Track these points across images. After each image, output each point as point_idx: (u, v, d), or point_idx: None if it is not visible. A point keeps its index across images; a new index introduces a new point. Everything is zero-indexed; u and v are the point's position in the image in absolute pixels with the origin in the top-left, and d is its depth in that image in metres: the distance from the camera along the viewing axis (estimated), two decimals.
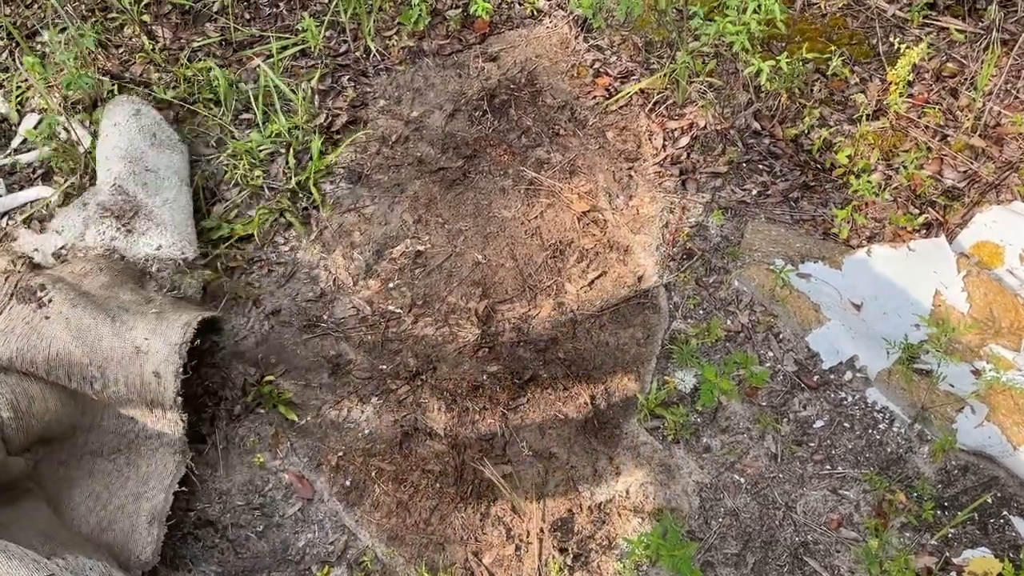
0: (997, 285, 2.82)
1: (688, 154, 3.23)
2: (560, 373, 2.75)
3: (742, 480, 2.55)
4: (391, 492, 2.56)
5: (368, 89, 3.49)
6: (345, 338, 2.84)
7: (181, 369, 2.45)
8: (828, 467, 2.56)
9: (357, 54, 3.58)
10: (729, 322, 2.85)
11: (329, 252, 3.03)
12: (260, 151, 3.20)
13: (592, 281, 2.95)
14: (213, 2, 3.70)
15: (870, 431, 2.61)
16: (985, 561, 2.33)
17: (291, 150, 3.21)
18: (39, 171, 3.22)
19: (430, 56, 3.58)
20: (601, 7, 3.43)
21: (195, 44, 3.55)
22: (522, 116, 3.38)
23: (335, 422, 2.69)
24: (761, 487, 2.54)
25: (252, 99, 3.30)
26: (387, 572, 2.44)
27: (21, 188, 3.19)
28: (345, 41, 3.62)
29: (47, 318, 2.48)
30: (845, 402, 2.67)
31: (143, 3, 3.61)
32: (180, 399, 2.45)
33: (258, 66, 3.39)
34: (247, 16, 3.69)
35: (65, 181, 3.16)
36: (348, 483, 2.58)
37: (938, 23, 3.48)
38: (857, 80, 3.37)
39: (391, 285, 2.96)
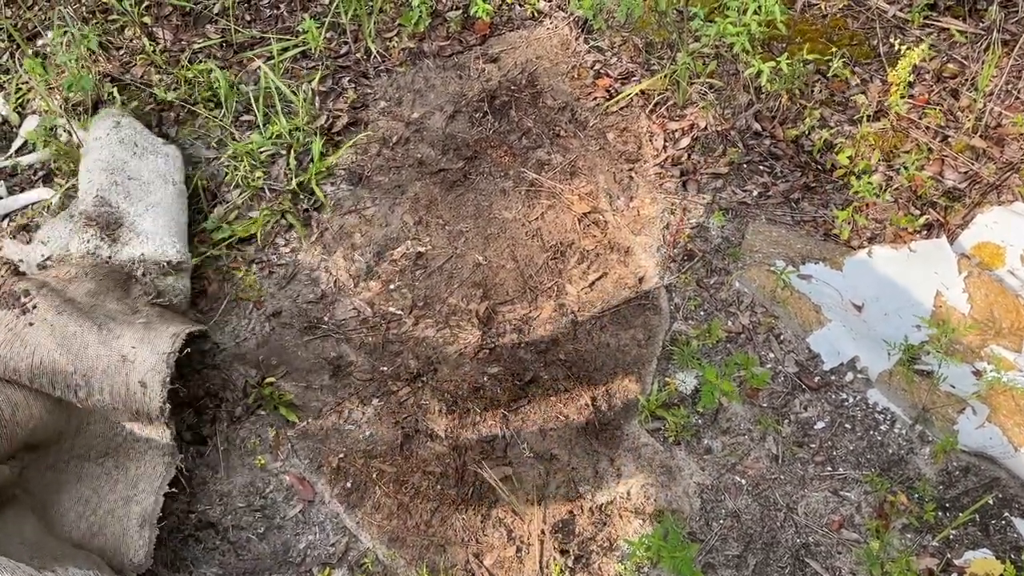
0: (998, 286, 2.81)
1: (689, 155, 3.23)
2: (561, 374, 2.75)
3: (743, 481, 2.55)
4: (392, 494, 2.55)
5: (369, 90, 3.49)
6: (346, 340, 2.84)
7: (168, 379, 2.40)
8: (829, 468, 2.56)
9: (358, 55, 3.58)
10: (730, 323, 2.85)
11: (330, 254, 3.03)
12: (261, 153, 3.21)
13: (593, 282, 2.95)
14: (214, 4, 3.71)
15: (871, 432, 2.61)
16: (986, 562, 2.32)
17: (292, 152, 3.21)
18: (40, 173, 3.23)
19: (431, 57, 3.58)
20: (601, 8, 3.43)
21: (196, 46, 3.55)
22: (523, 117, 3.38)
23: (336, 424, 2.69)
24: (762, 488, 2.54)
25: (253, 101, 3.30)
26: (388, 574, 2.44)
27: (22, 190, 3.19)
28: (346, 43, 3.62)
29: (31, 325, 2.43)
30: (846, 403, 2.67)
31: (144, 5, 3.62)
32: (167, 409, 2.40)
33: (259, 68, 3.39)
34: (248, 18, 3.69)
35: (66, 183, 3.17)
36: (349, 485, 2.58)
37: (939, 24, 3.48)
38: (858, 81, 3.37)
39: (392, 287, 2.96)
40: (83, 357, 2.40)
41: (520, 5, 3.74)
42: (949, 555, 2.39)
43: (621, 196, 3.16)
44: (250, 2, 3.74)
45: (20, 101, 3.38)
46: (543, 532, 2.47)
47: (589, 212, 3.10)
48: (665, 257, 3.00)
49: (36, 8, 3.64)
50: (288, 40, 3.54)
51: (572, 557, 2.43)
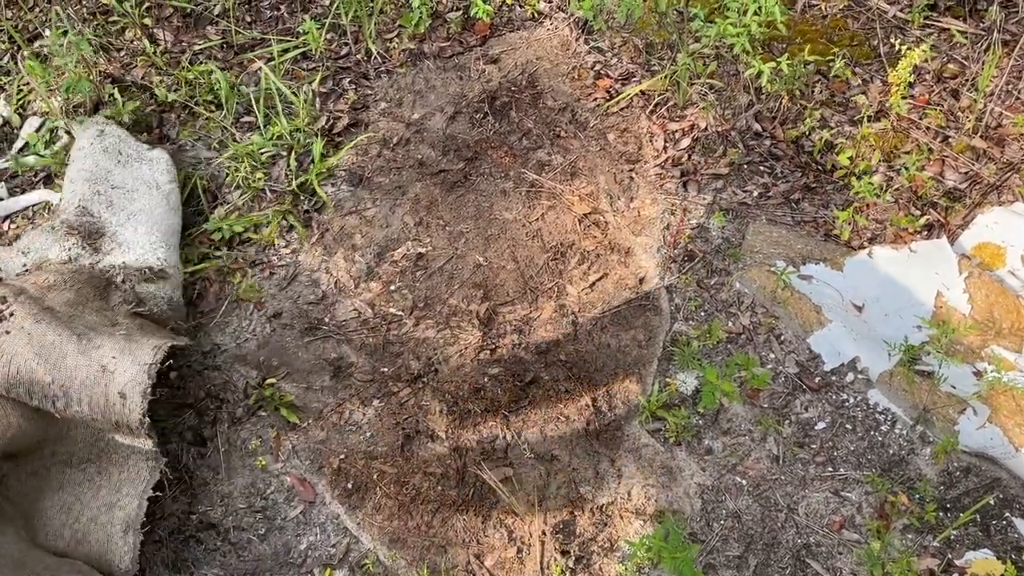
0: (999, 286, 2.81)
1: (689, 156, 3.23)
2: (561, 375, 2.75)
3: (744, 482, 2.55)
4: (393, 495, 2.56)
5: (369, 91, 3.49)
6: (346, 341, 2.84)
7: (149, 390, 2.33)
8: (830, 469, 2.56)
9: (358, 57, 3.59)
10: (730, 324, 2.85)
11: (330, 255, 3.03)
12: (262, 154, 3.21)
13: (593, 283, 2.95)
14: (214, 5, 3.71)
15: (872, 433, 2.61)
16: (987, 563, 2.32)
17: (292, 153, 3.21)
18: (41, 174, 3.23)
19: (431, 58, 3.58)
20: (602, 9, 3.43)
21: (196, 47, 3.55)
22: (523, 118, 3.38)
23: (337, 425, 2.69)
24: (763, 489, 2.54)
25: (253, 102, 3.30)
26: (389, 575, 2.44)
27: (23, 192, 3.19)
28: (346, 44, 3.62)
29: (7, 333, 2.37)
30: (847, 404, 2.67)
31: (144, 6, 3.62)
32: (147, 422, 2.33)
33: (259, 69, 3.39)
34: (248, 19, 3.69)
35: None
36: (350, 486, 2.58)
37: (939, 24, 3.48)
38: (858, 82, 3.37)
39: (392, 287, 2.96)
40: (61, 367, 2.34)
41: (520, 6, 3.74)
42: (950, 555, 2.39)
43: (621, 197, 3.16)
44: (251, 3, 3.74)
45: (21, 102, 3.39)
46: (544, 533, 2.47)
47: (589, 213, 3.10)
48: (666, 258, 3.00)
49: (37, 9, 3.65)
50: (289, 41, 3.55)
51: (573, 558, 2.43)
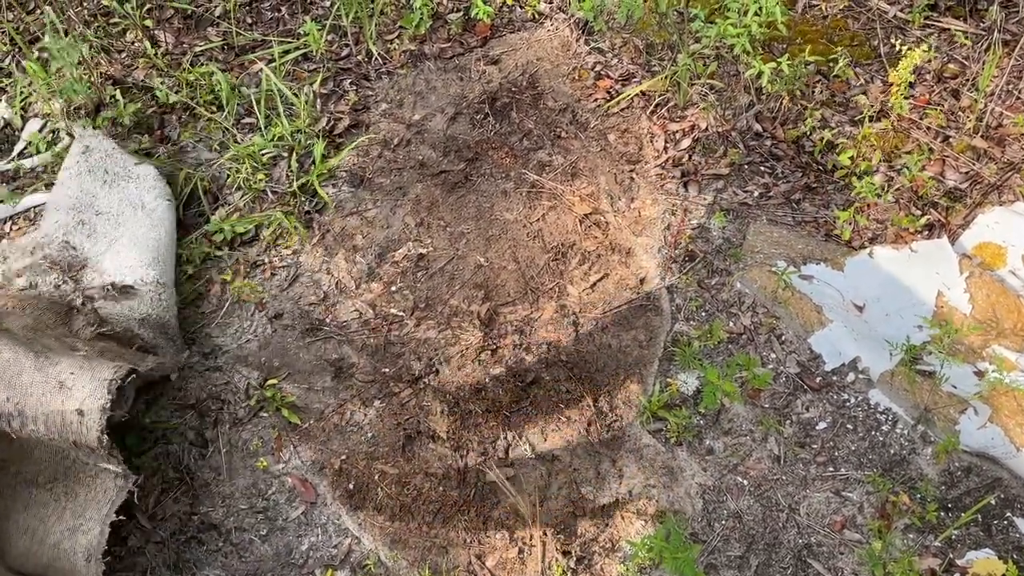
0: (1000, 286, 2.81)
1: (690, 156, 3.23)
2: (562, 376, 2.76)
3: (745, 482, 2.55)
4: (394, 495, 2.56)
5: (370, 93, 3.49)
6: (348, 341, 2.84)
7: (108, 406, 2.21)
8: (831, 469, 2.56)
9: (359, 58, 3.59)
10: (731, 324, 2.85)
11: (331, 255, 3.04)
12: (262, 155, 3.21)
13: (594, 283, 2.95)
14: (215, 7, 3.72)
15: (873, 433, 2.61)
16: (989, 563, 2.32)
17: (294, 154, 3.22)
18: (42, 176, 3.23)
19: (431, 59, 3.59)
20: (602, 10, 3.44)
21: (197, 48, 3.56)
22: (523, 119, 3.38)
23: (338, 425, 2.69)
24: (764, 489, 2.54)
25: (254, 103, 3.30)
26: (390, 575, 2.44)
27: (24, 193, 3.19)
28: (347, 45, 3.62)
29: None
30: (848, 404, 2.67)
31: (145, 8, 3.62)
32: (106, 440, 2.22)
33: (260, 70, 3.40)
34: (249, 20, 3.70)
35: None
36: (351, 486, 2.58)
37: (939, 24, 3.48)
38: (859, 82, 3.37)
39: (393, 288, 2.96)
40: (16, 384, 2.24)
41: (521, 7, 3.75)
42: (951, 555, 2.38)
43: (622, 197, 3.16)
44: (251, 5, 3.75)
45: (22, 104, 3.39)
46: (545, 533, 2.47)
47: (590, 213, 3.10)
48: (666, 258, 3.00)
49: (37, 11, 3.65)
50: (289, 43, 3.55)
51: (574, 558, 2.43)
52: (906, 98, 3.13)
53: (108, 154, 3.00)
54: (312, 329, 2.87)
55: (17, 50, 3.53)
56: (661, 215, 3.10)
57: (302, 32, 3.50)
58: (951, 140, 3.16)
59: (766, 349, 2.79)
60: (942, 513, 2.46)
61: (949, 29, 3.45)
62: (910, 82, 3.15)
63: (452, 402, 2.70)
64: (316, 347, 2.84)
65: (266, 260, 3.03)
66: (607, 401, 2.71)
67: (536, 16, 3.72)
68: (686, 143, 3.26)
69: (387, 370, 2.79)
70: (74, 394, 2.23)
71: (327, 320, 2.90)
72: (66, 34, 3.17)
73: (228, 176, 3.19)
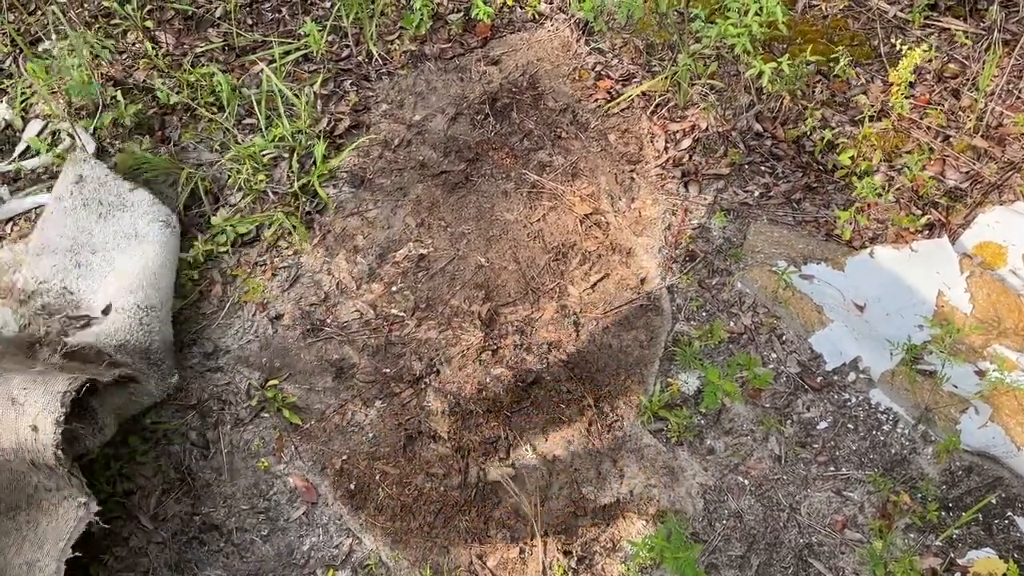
0: (1000, 285, 2.81)
1: (690, 156, 3.23)
2: (563, 376, 2.76)
3: (746, 482, 2.55)
4: (395, 495, 2.56)
5: (370, 93, 3.50)
6: (349, 342, 2.85)
7: (63, 419, 2.10)
8: (832, 468, 2.56)
9: (359, 58, 3.59)
10: (732, 324, 2.85)
11: (332, 256, 3.04)
12: (263, 155, 3.21)
13: (595, 284, 2.96)
14: (216, 7, 3.72)
15: (874, 432, 2.61)
16: (990, 562, 2.33)
17: (294, 154, 3.22)
18: (44, 177, 3.24)
19: (432, 60, 3.59)
20: (602, 10, 3.44)
21: (198, 49, 3.56)
22: (524, 119, 3.38)
23: (339, 426, 2.69)
24: (765, 489, 2.54)
25: (255, 104, 3.31)
26: (392, 575, 2.44)
27: (25, 194, 3.20)
28: (347, 46, 3.63)
29: None
30: (849, 403, 2.67)
31: (146, 9, 3.63)
32: (62, 456, 2.12)
33: (261, 71, 3.40)
34: (249, 21, 3.70)
35: None
36: (352, 487, 2.58)
37: (939, 24, 3.49)
38: (860, 81, 3.37)
39: (394, 289, 2.96)
40: None
41: (521, 7, 3.75)
42: (952, 555, 2.39)
43: (623, 197, 3.16)
44: (252, 6, 3.75)
45: (24, 105, 3.39)
46: (546, 533, 2.47)
47: (591, 213, 3.11)
48: (667, 258, 3.00)
49: (39, 12, 3.66)
50: (290, 43, 3.55)
51: (575, 558, 2.43)
52: (906, 98, 3.13)
53: (102, 183, 2.89)
54: (313, 330, 2.87)
55: (18, 51, 3.53)
56: (662, 215, 3.10)
57: (303, 33, 3.50)
58: (951, 140, 3.16)
59: (767, 349, 2.79)
60: (943, 512, 2.46)
61: (949, 29, 3.45)
62: (910, 82, 3.15)
63: (453, 402, 2.71)
64: (317, 347, 2.84)
65: (267, 261, 3.03)
66: (608, 401, 2.71)
67: (536, 16, 3.72)
68: (686, 143, 3.26)
69: (388, 370, 2.79)
70: (27, 410, 2.14)
71: (328, 320, 2.90)
72: (65, 38, 3.17)
73: (229, 177, 3.19)
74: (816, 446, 2.60)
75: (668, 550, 2.23)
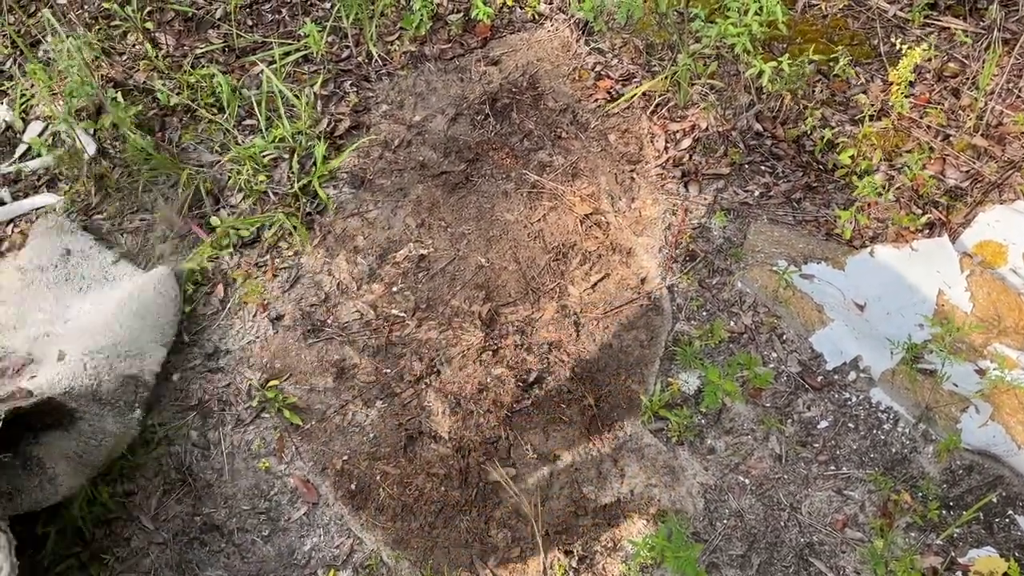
0: (1001, 284, 2.81)
1: (690, 156, 3.23)
2: (564, 375, 2.76)
3: (747, 481, 2.55)
4: (396, 495, 2.56)
5: (370, 94, 3.50)
6: (349, 342, 2.85)
7: None
8: (833, 468, 2.56)
9: (359, 59, 3.59)
10: (732, 323, 2.85)
11: (333, 257, 3.04)
12: (263, 156, 3.22)
13: (595, 283, 2.96)
14: (216, 9, 3.72)
15: (874, 431, 2.61)
16: (991, 560, 2.33)
17: (294, 155, 3.22)
18: (44, 178, 3.24)
19: (432, 60, 3.59)
20: (602, 10, 3.44)
21: (198, 51, 3.57)
22: (524, 119, 3.38)
23: (340, 426, 2.69)
24: (766, 488, 2.54)
25: (255, 105, 3.31)
26: (393, 575, 2.45)
27: (26, 196, 3.20)
28: (347, 46, 3.63)
29: None
30: (849, 402, 2.67)
31: (146, 11, 3.63)
32: None
33: (261, 72, 3.40)
34: (249, 23, 3.71)
35: (70, 188, 3.18)
36: (353, 487, 2.58)
37: (939, 23, 3.49)
38: (860, 81, 3.37)
39: (395, 289, 2.96)
40: None
41: (521, 8, 3.75)
42: (953, 553, 2.39)
43: (623, 197, 3.16)
44: (252, 7, 3.75)
45: (24, 107, 3.40)
46: (547, 533, 2.47)
47: (591, 213, 3.11)
48: (667, 258, 3.00)
49: (38, 14, 3.66)
50: (290, 44, 3.56)
51: (576, 557, 2.44)
52: (906, 97, 3.13)
53: (86, 255, 2.87)
54: (314, 330, 2.88)
55: (18, 53, 3.54)
56: (662, 215, 3.10)
57: (303, 34, 3.50)
58: (951, 139, 3.16)
59: (767, 348, 2.79)
60: (944, 511, 2.46)
61: (949, 28, 3.45)
62: (910, 81, 3.15)
63: (453, 402, 2.71)
64: (318, 348, 2.84)
65: (268, 261, 3.03)
66: (608, 401, 2.72)
67: (536, 17, 3.72)
68: (686, 143, 3.26)
69: (389, 371, 2.79)
70: None
71: (329, 321, 2.90)
72: (64, 40, 3.17)
73: (229, 178, 3.20)
74: (817, 445, 2.60)
75: (669, 549, 2.23)
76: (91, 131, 3.27)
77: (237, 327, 2.89)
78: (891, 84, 3.09)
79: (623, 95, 3.39)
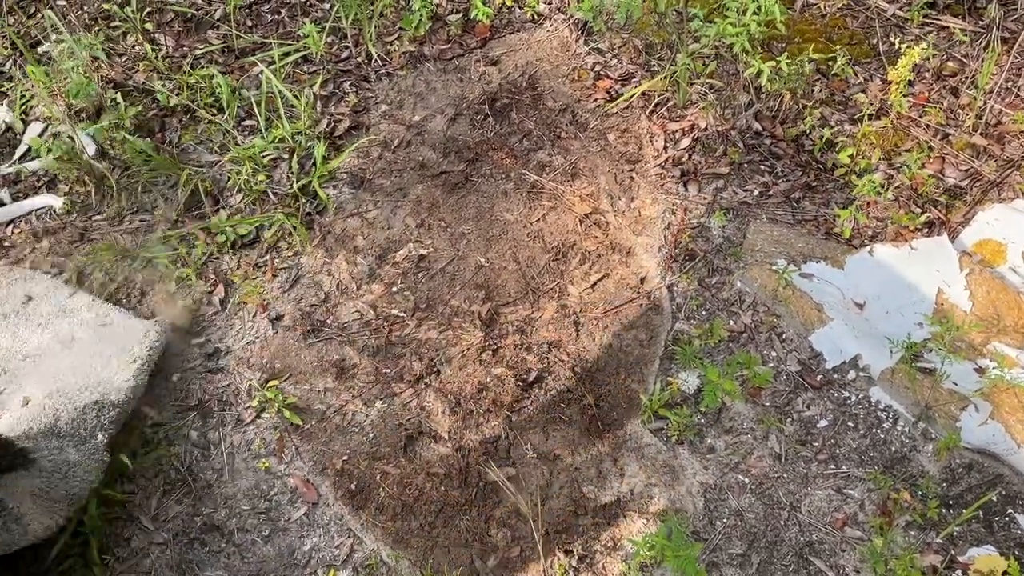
0: (1000, 283, 2.82)
1: (689, 155, 3.24)
2: (563, 375, 2.76)
3: (746, 480, 2.56)
4: (396, 495, 2.56)
5: (370, 94, 3.50)
6: (349, 342, 2.85)
7: None
8: (832, 466, 2.56)
9: (359, 59, 3.60)
10: (732, 323, 2.85)
11: (332, 257, 3.04)
12: (263, 157, 3.22)
13: (595, 283, 2.96)
14: (215, 9, 3.73)
15: (874, 430, 2.61)
16: (990, 559, 2.33)
17: (294, 155, 3.22)
18: (44, 179, 3.24)
19: (431, 61, 3.60)
20: (601, 10, 3.44)
21: (198, 51, 3.57)
22: (523, 119, 3.39)
23: (339, 426, 2.70)
24: (766, 487, 2.54)
25: (255, 105, 3.31)
26: (393, 575, 2.45)
27: (26, 196, 3.21)
28: (347, 47, 3.63)
29: None
30: (849, 401, 2.67)
31: (146, 11, 3.63)
32: None
33: (260, 72, 3.40)
34: (249, 23, 3.71)
35: (70, 189, 3.19)
36: (353, 487, 2.59)
37: (938, 22, 3.49)
38: (859, 80, 3.37)
39: (394, 289, 2.97)
40: None
41: (520, 8, 3.75)
42: (953, 552, 2.39)
43: (622, 197, 3.17)
44: (251, 8, 3.76)
45: (24, 108, 3.40)
46: (547, 532, 2.47)
47: (590, 213, 3.11)
48: (667, 257, 3.00)
49: (38, 15, 3.66)
50: (289, 45, 3.56)
51: (576, 557, 2.44)
52: (905, 96, 3.13)
53: (44, 296, 2.86)
54: (313, 330, 2.88)
55: (18, 54, 3.54)
56: (661, 214, 3.10)
57: (302, 34, 3.51)
58: (951, 138, 3.16)
59: (767, 347, 2.79)
60: (943, 510, 2.46)
61: (948, 27, 3.45)
62: (909, 80, 3.15)
63: (453, 402, 2.71)
64: (318, 348, 2.84)
65: (267, 262, 3.04)
66: (608, 400, 2.72)
67: (535, 17, 3.72)
68: (686, 142, 3.26)
69: (388, 371, 2.79)
70: None
71: (328, 321, 2.90)
72: (64, 41, 3.18)
73: (229, 178, 3.20)
74: (816, 444, 2.60)
75: (669, 548, 2.23)
76: (91, 132, 3.27)
77: (237, 327, 2.90)
78: (890, 83, 3.09)
79: (622, 95, 3.39)
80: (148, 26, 3.60)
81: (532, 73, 3.53)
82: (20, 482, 2.33)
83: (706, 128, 3.26)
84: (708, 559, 2.43)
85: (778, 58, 3.01)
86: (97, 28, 3.59)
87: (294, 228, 3.07)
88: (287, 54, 3.51)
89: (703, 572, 2.26)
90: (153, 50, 3.51)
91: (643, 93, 3.39)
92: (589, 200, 3.14)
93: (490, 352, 2.81)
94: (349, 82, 3.53)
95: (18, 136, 3.37)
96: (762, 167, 3.20)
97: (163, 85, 3.43)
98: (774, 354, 2.78)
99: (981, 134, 3.14)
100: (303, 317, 2.91)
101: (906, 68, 2.93)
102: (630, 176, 3.21)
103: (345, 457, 2.63)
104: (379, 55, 3.59)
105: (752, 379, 2.65)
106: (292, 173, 3.19)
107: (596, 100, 3.43)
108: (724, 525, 2.49)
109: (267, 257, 3.05)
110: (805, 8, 3.59)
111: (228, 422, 2.71)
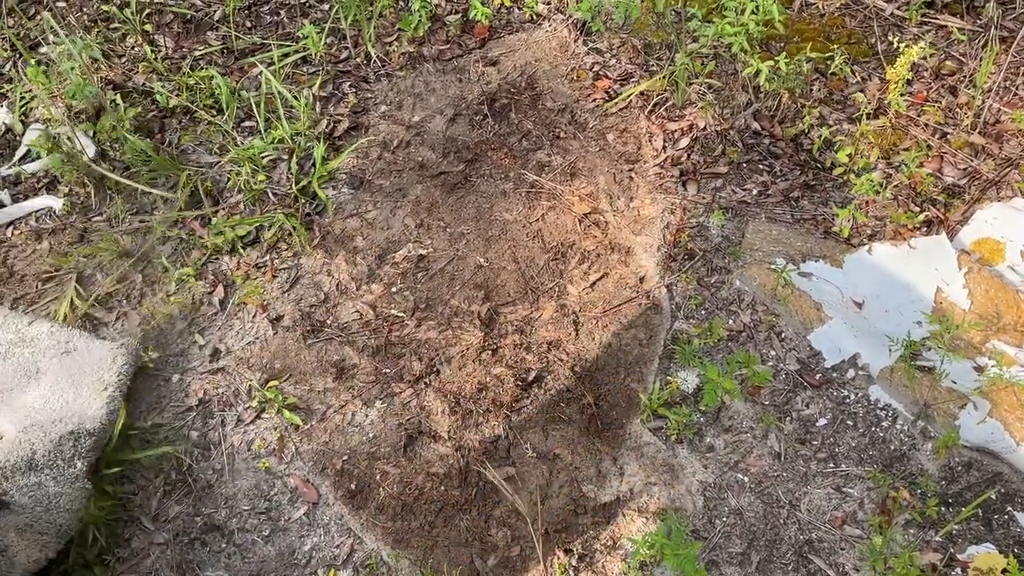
0: (998, 281, 2.82)
1: (688, 155, 3.24)
2: (563, 375, 2.76)
3: (746, 479, 2.56)
4: (396, 495, 2.57)
5: (369, 95, 3.51)
6: (349, 342, 2.85)
7: None
8: (832, 465, 2.57)
9: (358, 60, 3.60)
10: (731, 322, 2.86)
11: (332, 257, 3.05)
12: (263, 157, 3.22)
13: (594, 283, 2.96)
14: (215, 11, 3.73)
15: (873, 428, 2.62)
16: (990, 557, 2.33)
17: (294, 156, 3.23)
18: (44, 181, 3.25)
19: (430, 61, 3.60)
20: (600, 10, 3.45)
21: (197, 52, 3.57)
22: (522, 120, 3.39)
23: (339, 426, 2.70)
24: (765, 486, 2.55)
25: (254, 106, 3.32)
26: (393, 575, 2.45)
27: (26, 198, 3.21)
28: (346, 48, 3.64)
29: None
30: (848, 400, 2.67)
31: (145, 13, 3.64)
32: None
33: (260, 73, 3.41)
34: (248, 24, 3.71)
35: (70, 190, 3.19)
36: (353, 486, 2.59)
37: (936, 21, 3.49)
38: (857, 79, 3.38)
39: (394, 289, 2.97)
40: None
41: (519, 8, 3.76)
42: (952, 550, 2.39)
43: (621, 197, 3.17)
44: (250, 9, 3.76)
45: (24, 109, 3.41)
46: (547, 531, 2.48)
47: (589, 213, 3.11)
48: (666, 257, 3.01)
49: (38, 17, 3.67)
50: (289, 46, 3.56)
51: (576, 556, 2.44)
52: (904, 95, 3.14)
53: (1, 324, 2.81)
54: (313, 330, 2.88)
55: (18, 56, 3.54)
56: (660, 214, 3.11)
57: (301, 35, 3.51)
58: (949, 137, 3.17)
59: (766, 346, 2.80)
60: (943, 508, 2.46)
61: (946, 26, 3.46)
62: (907, 79, 3.16)
63: (453, 402, 2.71)
64: (317, 348, 2.85)
65: (267, 262, 3.04)
66: (607, 399, 2.72)
67: (534, 17, 3.73)
68: (684, 142, 3.27)
69: (388, 371, 2.79)
70: None
71: (328, 321, 2.91)
72: (64, 42, 3.18)
73: (228, 179, 3.21)
74: (816, 443, 2.61)
75: (668, 547, 2.24)
76: (90, 133, 3.28)
77: (237, 328, 2.90)
78: (888, 82, 3.09)
79: (621, 95, 3.40)
80: (147, 27, 3.60)
81: (531, 73, 3.54)
82: (2, 518, 2.32)
83: (705, 128, 3.27)
84: (708, 558, 2.43)
85: (776, 58, 3.01)
86: (96, 29, 3.59)
87: (294, 229, 3.07)
88: (286, 55, 3.52)
89: (703, 571, 2.27)
90: (152, 51, 3.51)
91: (642, 93, 3.40)
92: (588, 200, 3.15)
93: (490, 352, 2.81)
94: (348, 83, 3.54)
95: (18, 138, 3.37)
96: (761, 166, 3.20)
97: (162, 86, 3.43)
98: (773, 353, 2.78)
99: (979, 133, 3.14)
100: (303, 317, 2.91)
101: (904, 67, 2.94)
102: (629, 176, 3.22)
103: (345, 457, 2.64)
104: (378, 56, 3.59)
105: (751, 378, 2.65)
106: (291, 174, 3.19)
107: (595, 100, 3.43)
108: (724, 524, 2.49)
109: (267, 257, 3.05)
110: (803, 8, 3.59)
111: (228, 422, 2.71)
